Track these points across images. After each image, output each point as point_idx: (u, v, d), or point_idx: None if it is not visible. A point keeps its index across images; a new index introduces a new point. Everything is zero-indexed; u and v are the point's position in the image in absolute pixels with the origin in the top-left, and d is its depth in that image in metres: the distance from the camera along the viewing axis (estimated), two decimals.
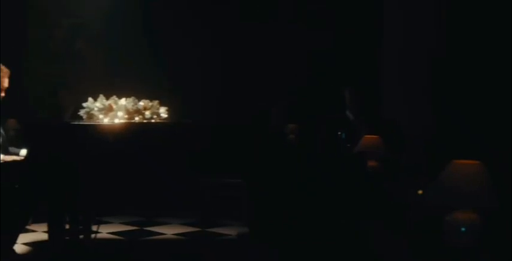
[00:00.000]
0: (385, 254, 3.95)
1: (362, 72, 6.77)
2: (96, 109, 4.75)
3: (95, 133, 4.35)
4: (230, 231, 6.32)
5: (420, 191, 4.08)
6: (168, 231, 6.37)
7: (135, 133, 4.52)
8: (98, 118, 4.75)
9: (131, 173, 4.57)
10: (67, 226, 5.10)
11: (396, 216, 4.16)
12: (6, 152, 4.75)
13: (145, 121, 4.83)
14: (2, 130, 4.88)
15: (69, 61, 7.66)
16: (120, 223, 6.78)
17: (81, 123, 4.47)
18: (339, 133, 5.18)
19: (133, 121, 4.77)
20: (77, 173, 4.31)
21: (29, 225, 6.26)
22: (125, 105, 4.77)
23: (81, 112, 4.81)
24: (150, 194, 7.01)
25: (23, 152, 4.72)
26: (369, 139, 4.89)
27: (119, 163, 4.42)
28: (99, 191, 5.25)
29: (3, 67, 4.79)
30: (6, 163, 4.38)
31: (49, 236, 4.75)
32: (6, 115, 6.45)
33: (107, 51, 7.70)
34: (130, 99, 4.84)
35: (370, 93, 5.97)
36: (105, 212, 6.92)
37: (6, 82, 4.78)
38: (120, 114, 4.73)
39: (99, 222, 5.81)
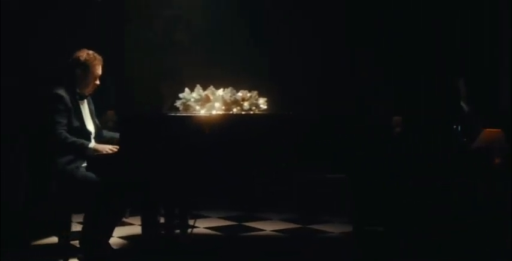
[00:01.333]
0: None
1: (477, 61, 6.27)
2: (192, 100, 4.55)
3: (191, 124, 4.14)
4: (331, 229, 6.01)
5: None
6: (267, 227, 6.13)
7: (232, 125, 4.27)
8: (194, 110, 4.54)
9: (228, 166, 4.33)
10: (162, 220, 4.96)
11: None
12: (101, 141, 4.63)
13: (243, 112, 4.58)
14: (97, 120, 4.76)
15: (169, 52, 7.57)
16: (218, 218, 6.61)
17: (176, 114, 4.27)
18: (454, 126, 4.75)
19: (231, 112, 4.54)
20: (172, 166, 4.12)
21: (126, 218, 6.19)
22: (222, 96, 4.55)
23: (177, 103, 4.62)
24: (249, 188, 6.80)
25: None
26: (490, 132, 4.44)
27: (216, 155, 4.19)
28: (196, 184, 5.08)
29: (96, 54, 4.67)
30: (98, 156, 4.25)
31: (142, 231, 4.61)
32: (106, 107, 6.47)
33: (206, 42, 7.57)
34: (228, 90, 4.61)
35: (486, 82, 5.50)
36: (203, 206, 6.79)
37: (99, 70, 4.66)
38: (217, 105, 4.51)
39: (196, 217, 5.64)
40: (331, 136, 4.34)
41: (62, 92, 4.50)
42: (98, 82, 4.70)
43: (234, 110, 4.57)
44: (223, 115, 4.44)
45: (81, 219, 4.66)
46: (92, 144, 4.45)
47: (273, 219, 6.56)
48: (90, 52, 4.67)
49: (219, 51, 7.45)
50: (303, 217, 6.52)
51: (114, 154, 4.22)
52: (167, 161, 4.12)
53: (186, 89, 4.63)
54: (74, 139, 4.41)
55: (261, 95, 4.79)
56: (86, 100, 4.71)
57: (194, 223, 5.28)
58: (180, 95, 4.61)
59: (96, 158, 4.21)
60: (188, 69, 7.07)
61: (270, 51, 7.32)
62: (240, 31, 7.51)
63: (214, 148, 4.16)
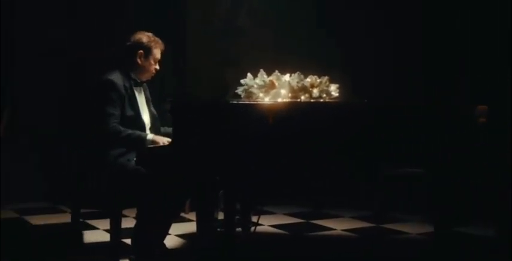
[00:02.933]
0: None
1: None
2: (255, 86, 4.10)
3: (254, 113, 3.68)
4: (407, 229, 5.48)
5: None
6: (338, 226, 5.64)
7: (300, 115, 3.80)
8: (257, 97, 4.09)
9: (296, 159, 3.87)
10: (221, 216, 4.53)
11: None
12: (157, 132, 4.25)
13: (312, 100, 4.10)
14: (153, 109, 4.37)
15: (233, 37, 7.19)
16: (284, 214, 6.15)
17: (237, 102, 3.82)
18: None
19: (298, 100, 4.06)
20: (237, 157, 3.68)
21: (186, 213, 5.81)
22: (288, 82, 4.07)
23: (239, 90, 4.18)
24: (318, 182, 6.32)
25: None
26: None
27: (281, 146, 3.74)
28: (258, 177, 4.63)
29: (156, 37, 4.29)
30: (151, 149, 3.84)
31: (197, 228, 4.20)
32: (165, 95, 6.19)
33: (271, 25, 7.17)
34: (295, 75, 4.13)
35: None
36: (268, 201, 6.35)
37: (158, 54, 4.29)
38: (283, 92, 4.04)
39: (259, 213, 5.20)
40: (416, 126, 3.84)
41: (115, 78, 4.12)
42: (157, 66, 4.32)
43: (302, 98, 4.09)
44: (290, 103, 3.96)
45: (133, 215, 4.28)
46: (150, 136, 4.05)
47: (344, 216, 6.07)
48: (150, 34, 4.32)
49: (284, 36, 7.07)
50: (376, 215, 5.99)
51: (167, 146, 3.81)
52: (228, 154, 3.67)
53: (249, 74, 4.17)
54: (129, 131, 4.02)
55: (332, 81, 4.30)
56: (142, 87, 4.33)
57: (258, 220, 4.83)
58: (242, 81, 4.16)
59: (147, 151, 3.80)
60: (252, 56, 6.70)
61: (339, 35, 6.87)
62: (307, 14, 7.12)
63: (282, 140, 3.70)
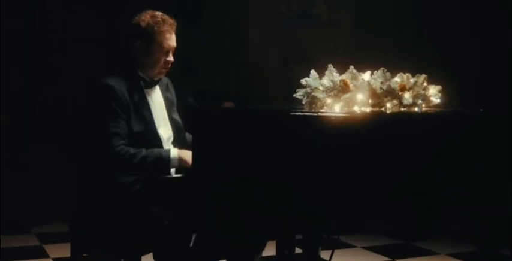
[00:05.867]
0: None
1: None
2: (321, 88, 2.87)
3: (314, 130, 2.46)
4: None
5: None
6: None
7: (385, 132, 2.56)
8: (323, 104, 2.86)
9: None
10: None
11: None
12: (182, 145, 3.09)
13: (403, 109, 2.84)
14: (177, 116, 3.20)
15: (305, 28, 6.24)
16: (363, 248, 4.89)
17: (291, 113, 2.59)
18: None
19: (382, 110, 2.81)
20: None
21: None
22: (368, 82, 2.83)
23: (299, 93, 2.95)
24: (406, 210, 5.07)
25: None
26: None
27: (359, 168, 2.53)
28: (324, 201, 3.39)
29: (166, 16, 3.06)
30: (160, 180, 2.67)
31: None
32: (220, 97, 5.56)
33: (353, 15, 6.29)
34: (379, 72, 2.88)
35: None
36: (342, 230, 5.09)
37: (168, 40, 3.04)
38: (360, 97, 2.80)
39: (333, 246, 3.93)
40: None
41: (113, 81, 2.96)
42: (170, 58, 3.10)
43: (388, 105, 2.84)
44: (370, 116, 2.71)
45: None
46: (175, 152, 2.90)
47: (441, 253, 4.76)
48: (157, 13, 3.08)
49: (370, 27, 6.15)
50: (484, 253, 4.65)
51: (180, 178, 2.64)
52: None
53: (312, 72, 2.94)
54: (144, 152, 2.88)
55: (430, 82, 3.03)
56: (157, 87, 3.16)
57: (331, 257, 3.57)
58: (303, 81, 2.94)
59: (158, 180, 2.64)
60: (327, 51, 5.80)
61: (435, 27, 5.89)
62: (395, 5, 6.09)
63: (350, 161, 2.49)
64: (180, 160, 2.87)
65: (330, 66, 2.92)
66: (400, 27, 6.06)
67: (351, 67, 2.89)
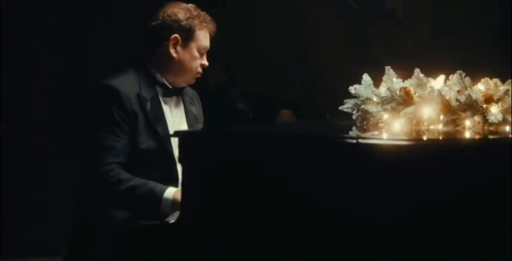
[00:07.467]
0: None
1: None
2: (375, 99, 2.12)
3: (362, 160, 1.73)
4: None
5: None
6: None
7: (461, 160, 1.80)
8: (378, 120, 2.11)
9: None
10: None
11: None
12: None
13: (490, 128, 2.07)
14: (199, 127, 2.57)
15: (375, 25, 5.75)
16: None
17: (325, 138, 1.86)
18: None
19: (459, 130, 2.05)
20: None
21: None
22: (439, 92, 2.06)
23: (346, 105, 2.22)
24: None
25: None
26: None
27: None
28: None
29: (198, 11, 2.46)
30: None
31: None
32: (277, 104, 5.15)
33: (432, 10, 5.71)
34: (455, 77, 2.12)
35: None
36: None
37: (206, 39, 2.47)
38: (427, 111, 2.04)
39: None
40: None
41: (121, 83, 2.34)
42: (205, 62, 2.48)
43: (467, 123, 2.07)
44: (439, 144, 1.94)
45: None
46: (170, 192, 2.25)
47: None
48: (191, 6, 2.48)
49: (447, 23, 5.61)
50: None
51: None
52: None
53: (365, 76, 2.20)
54: (134, 182, 2.25)
55: None
56: (180, 97, 2.51)
57: None
58: (351, 88, 2.20)
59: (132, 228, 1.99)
60: (397, 51, 5.34)
61: None
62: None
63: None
64: (175, 204, 2.20)
65: (389, 69, 2.18)
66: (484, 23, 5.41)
67: (417, 70, 2.14)
